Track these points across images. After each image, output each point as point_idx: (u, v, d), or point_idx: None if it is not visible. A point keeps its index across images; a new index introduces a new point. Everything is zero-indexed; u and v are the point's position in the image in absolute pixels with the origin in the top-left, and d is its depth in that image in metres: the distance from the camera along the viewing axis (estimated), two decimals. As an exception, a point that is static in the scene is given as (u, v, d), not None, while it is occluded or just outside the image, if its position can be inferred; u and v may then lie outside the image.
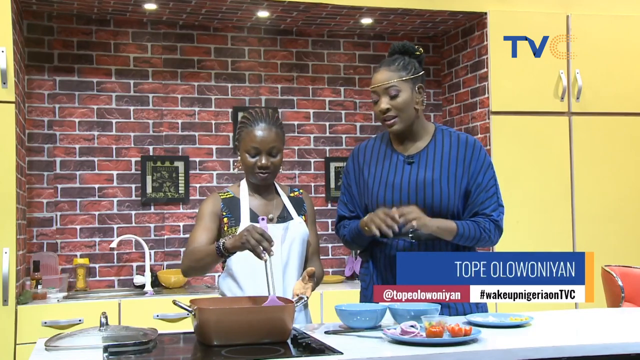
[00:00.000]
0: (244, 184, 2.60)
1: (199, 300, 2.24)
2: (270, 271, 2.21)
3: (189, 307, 2.12)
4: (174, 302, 2.15)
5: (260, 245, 2.19)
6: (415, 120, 2.57)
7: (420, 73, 2.59)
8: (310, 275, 2.37)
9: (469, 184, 2.54)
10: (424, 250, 2.52)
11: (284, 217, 2.56)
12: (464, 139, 2.60)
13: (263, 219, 2.39)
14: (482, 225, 2.51)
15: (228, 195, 2.57)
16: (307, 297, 2.33)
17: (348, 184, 2.70)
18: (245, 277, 2.49)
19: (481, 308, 2.56)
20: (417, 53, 2.63)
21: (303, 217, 2.60)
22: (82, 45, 4.38)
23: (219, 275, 2.61)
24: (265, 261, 2.21)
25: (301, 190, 2.69)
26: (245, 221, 2.49)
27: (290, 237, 2.52)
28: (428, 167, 2.55)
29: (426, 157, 2.57)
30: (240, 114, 4.57)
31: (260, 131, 2.48)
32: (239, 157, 2.55)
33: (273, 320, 2.08)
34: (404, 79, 2.53)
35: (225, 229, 2.52)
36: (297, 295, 2.33)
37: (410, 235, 2.50)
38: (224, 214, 2.53)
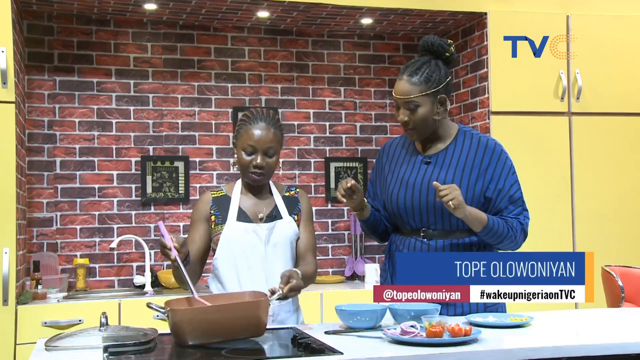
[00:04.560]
0: (238, 183, 2.60)
1: (173, 301, 2.23)
2: (183, 270, 2.22)
3: (162, 308, 2.13)
4: (148, 305, 2.18)
5: (164, 251, 2.24)
6: (437, 125, 2.56)
7: (444, 83, 2.51)
8: (284, 282, 2.31)
9: (487, 189, 2.52)
10: (433, 249, 2.52)
11: (273, 216, 2.55)
12: (485, 142, 2.58)
13: (159, 224, 2.39)
14: (510, 223, 2.50)
15: (220, 194, 2.57)
16: (282, 291, 2.27)
17: (374, 178, 2.74)
18: (229, 278, 2.51)
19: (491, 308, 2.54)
20: (447, 55, 2.55)
21: (295, 216, 2.59)
22: (82, 45, 4.38)
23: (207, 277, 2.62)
24: (174, 261, 2.23)
25: (298, 190, 2.67)
26: (231, 220, 2.49)
27: (275, 237, 2.51)
28: (443, 168, 2.55)
29: (444, 158, 2.57)
30: (240, 114, 4.58)
31: (258, 130, 2.47)
32: (236, 155, 2.54)
33: (247, 317, 2.09)
34: (424, 94, 2.49)
35: (213, 227, 2.53)
36: (270, 290, 2.28)
37: (422, 234, 2.51)
38: (212, 212, 2.53)
